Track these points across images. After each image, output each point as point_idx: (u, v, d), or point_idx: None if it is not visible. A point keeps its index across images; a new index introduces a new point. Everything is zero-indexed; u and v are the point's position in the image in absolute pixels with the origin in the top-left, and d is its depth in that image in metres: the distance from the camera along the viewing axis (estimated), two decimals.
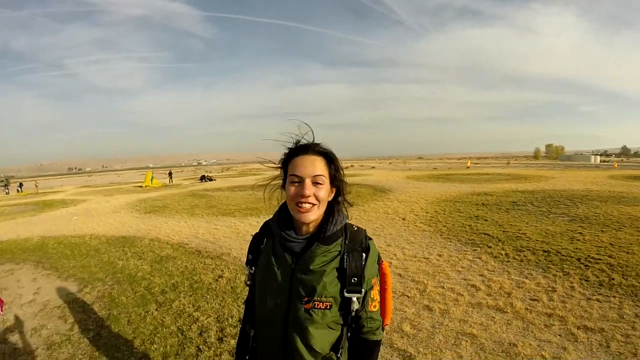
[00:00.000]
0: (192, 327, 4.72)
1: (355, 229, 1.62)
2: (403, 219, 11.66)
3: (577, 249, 7.61)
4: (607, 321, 4.58)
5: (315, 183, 1.47)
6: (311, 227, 1.54)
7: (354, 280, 1.50)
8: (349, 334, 1.59)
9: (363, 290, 1.51)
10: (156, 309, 5.32)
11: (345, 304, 1.51)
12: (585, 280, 5.91)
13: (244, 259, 7.51)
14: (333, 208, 1.58)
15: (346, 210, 1.65)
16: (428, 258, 7.38)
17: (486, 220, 11.04)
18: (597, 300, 5.19)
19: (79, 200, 23.73)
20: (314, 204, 1.47)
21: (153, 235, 10.72)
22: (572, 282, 5.85)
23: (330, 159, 1.55)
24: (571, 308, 4.96)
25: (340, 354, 1.56)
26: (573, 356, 3.85)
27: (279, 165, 1.62)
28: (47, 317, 5.28)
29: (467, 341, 4.24)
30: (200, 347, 4.24)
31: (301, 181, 1.47)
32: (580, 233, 8.95)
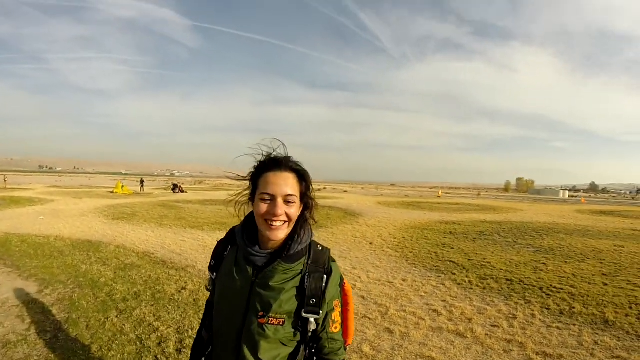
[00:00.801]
0: (151, 336, 4.63)
1: (320, 248, 1.60)
2: (370, 243, 11.70)
3: (540, 278, 7.76)
4: (566, 348, 4.66)
5: (287, 202, 1.43)
6: (276, 243, 1.51)
7: (313, 301, 1.48)
8: (307, 352, 1.57)
9: (321, 312, 1.50)
10: (116, 316, 5.22)
11: (303, 323, 1.50)
12: (547, 309, 6.01)
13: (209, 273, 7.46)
14: (300, 223, 1.54)
15: (311, 229, 1.61)
16: (392, 282, 7.39)
17: (452, 248, 11.17)
18: (557, 327, 5.29)
19: (47, 200, 23.17)
20: (285, 221, 1.44)
21: (119, 242, 10.51)
22: (533, 310, 5.94)
23: (302, 176, 1.51)
24: (531, 335, 5.03)
25: None
26: None
27: (247, 178, 1.57)
28: (5, 315, 5.14)
29: None
30: (158, 356, 4.17)
31: (272, 199, 1.42)
32: (544, 264, 9.14)
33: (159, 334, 4.70)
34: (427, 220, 18.57)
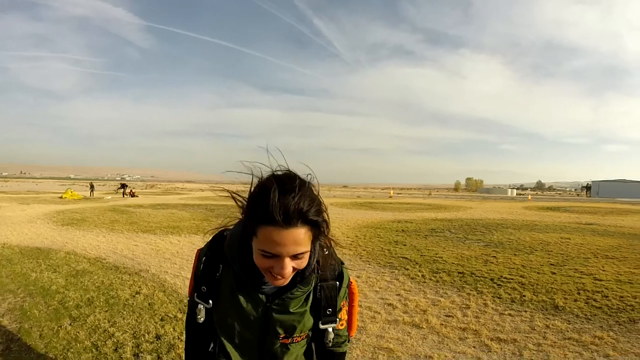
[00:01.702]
0: (107, 342, 4.51)
1: (326, 252, 1.40)
2: None
3: (490, 270, 8.01)
4: (519, 333, 4.81)
5: (295, 257, 1.16)
6: None
7: (329, 311, 1.42)
8: (314, 347, 1.57)
9: (337, 319, 1.45)
10: (70, 324, 5.04)
11: (320, 335, 1.47)
12: (498, 298, 6.20)
13: (163, 277, 7.30)
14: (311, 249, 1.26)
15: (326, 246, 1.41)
16: None
17: (405, 245, 11.34)
18: (510, 314, 5.46)
19: None
20: (292, 272, 1.21)
21: (69, 248, 10.15)
22: (485, 300, 6.12)
23: (318, 226, 1.18)
24: (484, 322, 5.18)
25: None
26: None
27: (241, 201, 1.26)
28: None
29: (383, 355, 4.28)
30: None
31: (277, 257, 1.14)
32: (494, 257, 9.43)
33: (115, 340, 4.59)
34: (379, 220, 18.79)
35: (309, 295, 1.40)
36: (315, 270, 1.37)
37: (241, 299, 1.35)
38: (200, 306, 1.42)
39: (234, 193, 1.29)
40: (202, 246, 1.51)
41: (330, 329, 1.45)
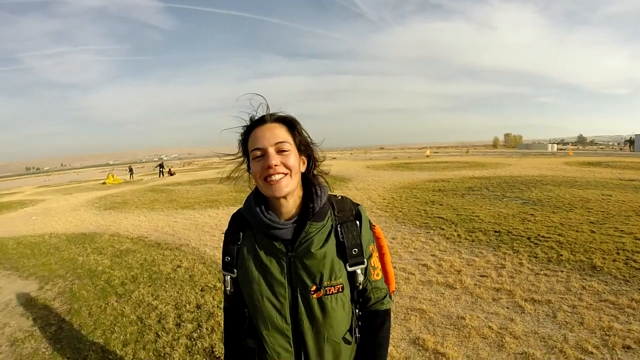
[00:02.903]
0: (151, 315, 4.79)
1: (339, 197, 1.52)
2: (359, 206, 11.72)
3: (527, 228, 7.86)
4: (554, 294, 4.74)
5: (280, 151, 1.32)
6: (294, 208, 1.41)
7: (355, 251, 1.41)
8: (357, 311, 1.51)
9: (365, 260, 1.44)
10: (116, 301, 5.36)
11: (351, 279, 1.43)
12: (534, 257, 6.11)
13: (203, 249, 7.50)
14: (312, 180, 1.46)
15: (325, 181, 1.52)
16: None
17: (441, 204, 11.25)
18: (545, 274, 5.37)
19: (37, 200, 22.86)
20: (285, 173, 1.32)
21: (113, 230, 10.61)
22: (521, 259, 6.03)
23: (290, 124, 1.39)
24: (519, 283, 5.12)
25: (357, 333, 1.49)
26: (520, 327, 3.97)
27: (238, 155, 1.48)
28: (10, 315, 5.24)
29: (416, 316, 4.33)
30: (159, 333, 4.32)
31: (264, 153, 1.32)
32: (532, 214, 9.23)
33: (158, 312, 4.85)
34: (415, 180, 18.63)
35: (329, 235, 1.40)
36: (332, 212, 1.44)
37: (262, 255, 1.39)
38: (227, 277, 1.48)
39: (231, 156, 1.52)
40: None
41: (359, 271, 1.42)
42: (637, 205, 10.00)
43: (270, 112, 1.39)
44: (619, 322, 4.00)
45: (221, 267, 1.51)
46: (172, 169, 43.72)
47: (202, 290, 5.45)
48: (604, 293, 4.71)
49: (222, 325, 1.70)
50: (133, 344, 4.12)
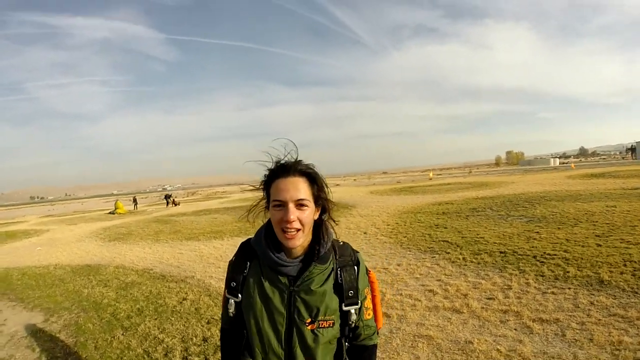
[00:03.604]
0: (157, 348, 4.77)
1: (341, 243, 1.64)
2: (365, 233, 11.73)
3: (533, 247, 7.84)
4: (562, 312, 4.72)
5: (299, 206, 1.43)
6: (301, 250, 1.53)
7: (351, 293, 1.55)
8: (346, 344, 1.64)
9: (359, 302, 1.58)
10: (122, 334, 5.33)
11: (344, 317, 1.56)
12: (541, 276, 6.08)
13: (208, 281, 7.50)
14: (321, 227, 1.57)
15: (332, 228, 1.64)
16: (387, 268, 7.44)
17: (446, 228, 11.23)
18: (552, 293, 5.35)
19: (42, 230, 22.95)
20: (298, 229, 1.44)
21: (118, 262, 10.59)
22: (527, 279, 6.01)
23: (312, 178, 1.50)
24: (526, 303, 5.09)
25: None
26: (528, 348, 3.94)
27: (260, 187, 1.58)
28: (15, 347, 5.24)
29: (423, 343, 4.30)
30: None
31: (284, 205, 1.43)
32: (537, 232, 9.22)
33: (165, 345, 4.83)
34: (419, 204, 18.62)
35: (329, 276, 1.54)
36: (334, 256, 1.58)
37: (266, 286, 1.51)
38: (232, 301, 1.59)
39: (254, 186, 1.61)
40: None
41: (353, 311, 1.56)
42: None
43: (296, 161, 1.50)
44: (629, 335, 3.97)
45: (225, 290, 1.62)
46: (175, 199, 43.80)
47: (208, 322, 5.42)
48: (613, 307, 4.68)
49: (221, 346, 1.77)
50: None
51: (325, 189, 1.57)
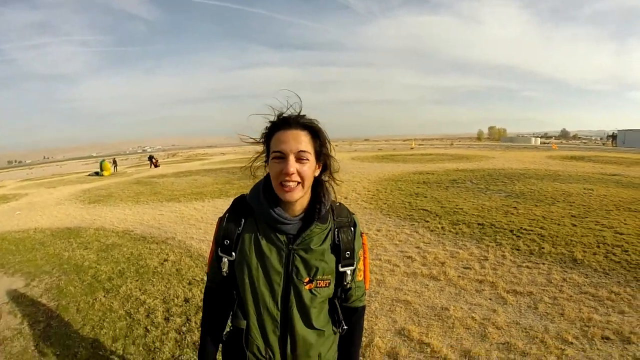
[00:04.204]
0: (139, 309, 4.78)
1: (338, 204, 1.64)
2: (345, 198, 11.78)
3: (510, 221, 8.00)
4: (535, 285, 4.87)
5: (299, 159, 1.40)
6: (300, 208, 1.51)
7: (348, 254, 1.55)
8: (338, 304, 1.65)
9: (355, 262, 1.59)
10: (104, 296, 5.32)
11: (339, 277, 1.57)
12: (517, 250, 6.24)
13: (189, 242, 7.49)
14: (322, 186, 1.57)
15: (332, 187, 1.63)
16: (367, 233, 7.52)
17: (425, 197, 11.36)
18: (527, 267, 5.51)
19: (20, 195, 22.34)
20: (298, 182, 1.41)
21: (98, 224, 10.44)
22: (503, 252, 6.17)
23: (315, 132, 1.47)
24: (502, 274, 5.25)
25: (344, 326, 1.66)
26: (502, 317, 4.07)
27: (261, 140, 1.54)
28: None
29: (401, 307, 4.42)
30: (148, 327, 4.32)
31: (284, 157, 1.40)
32: (515, 207, 9.38)
33: (147, 306, 4.85)
34: (400, 172, 18.72)
35: (328, 236, 1.53)
36: (332, 217, 1.57)
37: (263, 244, 1.49)
38: (225, 259, 1.54)
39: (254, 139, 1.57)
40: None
41: (348, 272, 1.57)
42: (618, 199, 10.20)
43: (298, 114, 1.47)
44: (599, 313, 4.12)
45: (217, 249, 1.57)
46: (155, 160, 43.24)
47: (189, 283, 5.46)
48: (584, 285, 4.84)
49: (202, 306, 1.75)
50: (122, 339, 4.12)
51: (328, 145, 1.54)
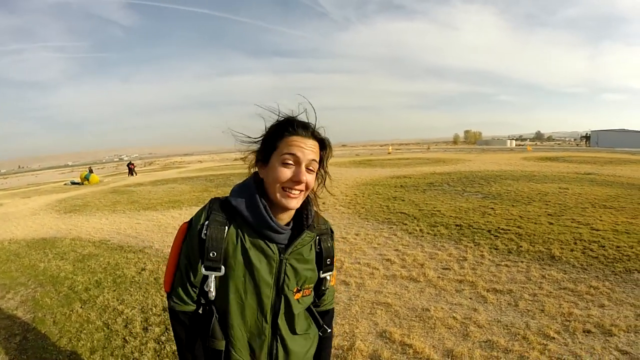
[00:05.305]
0: (117, 320, 4.67)
1: (315, 210, 1.58)
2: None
3: (488, 222, 8.08)
4: (515, 283, 4.90)
5: (308, 168, 1.36)
6: (289, 215, 1.45)
7: (329, 261, 1.56)
8: (313, 308, 1.66)
9: (333, 268, 1.62)
10: (81, 307, 5.18)
11: (319, 283, 1.58)
12: (495, 249, 6.29)
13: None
14: (310, 194, 1.52)
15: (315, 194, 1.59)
16: (345, 237, 7.52)
17: (403, 200, 11.41)
18: (506, 265, 5.55)
19: None
20: (301, 191, 1.36)
21: (74, 234, 10.21)
22: (482, 251, 6.20)
23: (324, 147, 1.45)
24: (481, 274, 5.27)
25: (329, 329, 1.69)
26: (483, 316, 4.08)
27: (259, 138, 1.44)
28: None
29: (382, 309, 4.39)
30: (127, 338, 4.21)
31: (296, 164, 1.33)
32: (491, 208, 9.48)
33: (125, 317, 4.74)
34: (378, 176, 18.83)
35: (313, 244, 1.52)
36: (314, 225, 1.51)
37: (252, 254, 1.37)
38: (212, 277, 1.36)
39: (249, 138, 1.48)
40: (188, 220, 1.48)
41: (328, 277, 1.59)
42: (593, 197, 10.40)
43: (315, 127, 1.41)
44: (579, 308, 4.16)
45: (199, 266, 1.37)
46: (132, 166, 42.73)
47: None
48: (563, 281, 4.89)
49: (173, 332, 1.51)
50: (101, 350, 4.01)
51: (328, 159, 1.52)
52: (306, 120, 1.39)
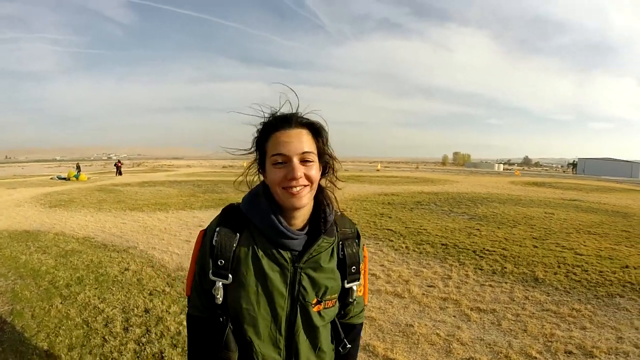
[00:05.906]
0: (97, 318, 4.61)
1: (340, 214, 1.45)
2: None
3: (473, 242, 8.16)
4: (498, 303, 4.95)
5: (304, 161, 1.24)
6: (303, 218, 1.33)
7: (354, 269, 1.40)
8: (338, 321, 1.49)
9: (360, 277, 1.43)
10: (61, 303, 5.10)
11: (344, 294, 1.41)
12: (480, 269, 6.35)
13: (151, 253, 7.32)
14: (324, 192, 1.39)
15: (333, 193, 1.43)
16: None
17: (390, 217, 11.47)
18: (490, 285, 5.60)
19: None
20: (305, 185, 1.24)
21: (58, 229, 10.08)
22: (467, 271, 6.26)
23: (317, 130, 1.31)
24: (465, 293, 5.31)
25: (348, 344, 1.48)
26: (466, 334, 4.11)
27: (250, 149, 1.36)
28: None
29: (366, 323, 4.38)
30: (106, 337, 4.16)
31: (287, 161, 1.22)
32: (477, 229, 9.58)
33: (105, 315, 4.68)
34: (365, 193, 18.90)
35: (333, 251, 1.36)
36: (336, 228, 1.38)
37: (264, 263, 1.29)
38: (219, 284, 1.31)
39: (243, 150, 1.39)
40: (206, 227, 1.40)
41: (355, 288, 1.41)
42: (578, 223, 10.55)
43: (297, 114, 1.30)
44: (561, 329, 4.21)
45: (208, 270, 1.32)
46: (120, 164, 42.38)
47: (150, 294, 5.31)
48: (546, 303, 4.95)
49: (187, 336, 1.47)
50: (79, 348, 3.96)
51: (329, 144, 1.37)
52: (289, 111, 1.30)
